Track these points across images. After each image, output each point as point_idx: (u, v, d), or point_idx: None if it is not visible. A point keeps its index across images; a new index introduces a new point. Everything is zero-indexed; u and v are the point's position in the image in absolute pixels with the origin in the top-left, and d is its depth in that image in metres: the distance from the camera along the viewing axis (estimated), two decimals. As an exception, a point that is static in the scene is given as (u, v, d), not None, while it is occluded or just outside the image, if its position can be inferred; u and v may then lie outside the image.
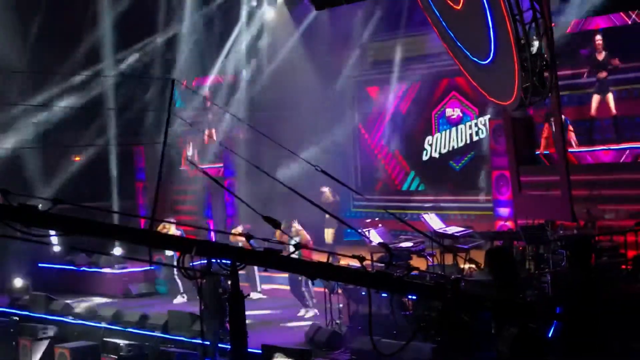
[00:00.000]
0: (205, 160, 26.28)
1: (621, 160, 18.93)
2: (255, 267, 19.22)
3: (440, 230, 17.63)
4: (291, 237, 17.10)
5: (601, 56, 19.23)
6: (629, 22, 18.78)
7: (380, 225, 19.81)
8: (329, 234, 22.20)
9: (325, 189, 21.85)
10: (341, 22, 23.85)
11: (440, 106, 23.50)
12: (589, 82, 19.47)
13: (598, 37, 19.24)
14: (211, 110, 25.99)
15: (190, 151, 27.15)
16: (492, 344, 9.48)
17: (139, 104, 26.15)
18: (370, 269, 5.81)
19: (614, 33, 19.06)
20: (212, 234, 23.33)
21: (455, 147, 23.24)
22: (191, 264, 4.57)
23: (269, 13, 24.86)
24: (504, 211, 20.64)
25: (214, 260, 4.78)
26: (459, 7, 15.22)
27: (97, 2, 25.15)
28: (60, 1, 25.24)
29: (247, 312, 5.15)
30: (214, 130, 25.73)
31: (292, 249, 5.63)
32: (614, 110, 19.18)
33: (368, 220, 21.86)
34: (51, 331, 17.77)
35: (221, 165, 25.99)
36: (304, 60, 24.27)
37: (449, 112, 23.32)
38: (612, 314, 11.04)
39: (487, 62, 14.99)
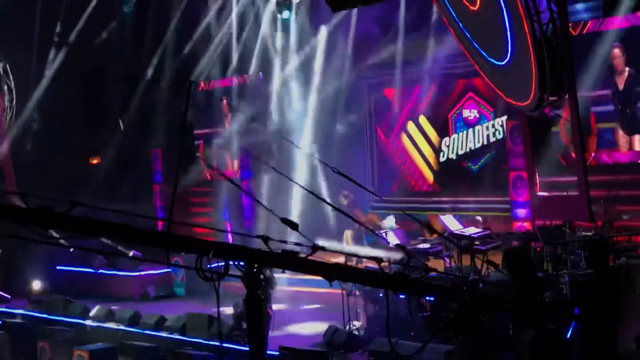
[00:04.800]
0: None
1: (639, 161, 18.82)
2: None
3: (458, 232, 17.60)
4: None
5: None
6: None
7: (397, 226, 19.79)
8: (347, 236, 22.04)
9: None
10: (358, 24, 23.78)
11: (457, 107, 23.42)
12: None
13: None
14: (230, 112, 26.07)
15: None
16: (510, 345, 9.47)
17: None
18: (387, 271, 5.79)
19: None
20: (230, 235, 23.31)
21: (473, 148, 23.15)
22: (209, 266, 4.55)
23: (286, 15, 24.81)
24: (522, 212, 20.57)
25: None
26: (475, 8, 15.20)
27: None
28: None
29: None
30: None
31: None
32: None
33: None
34: (69, 333, 17.82)
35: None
36: (320, 62, 24.23)
37: (465, 113, 23.23)
38: (631, 315, 10.99)
39: (504, 62, 14.96)
